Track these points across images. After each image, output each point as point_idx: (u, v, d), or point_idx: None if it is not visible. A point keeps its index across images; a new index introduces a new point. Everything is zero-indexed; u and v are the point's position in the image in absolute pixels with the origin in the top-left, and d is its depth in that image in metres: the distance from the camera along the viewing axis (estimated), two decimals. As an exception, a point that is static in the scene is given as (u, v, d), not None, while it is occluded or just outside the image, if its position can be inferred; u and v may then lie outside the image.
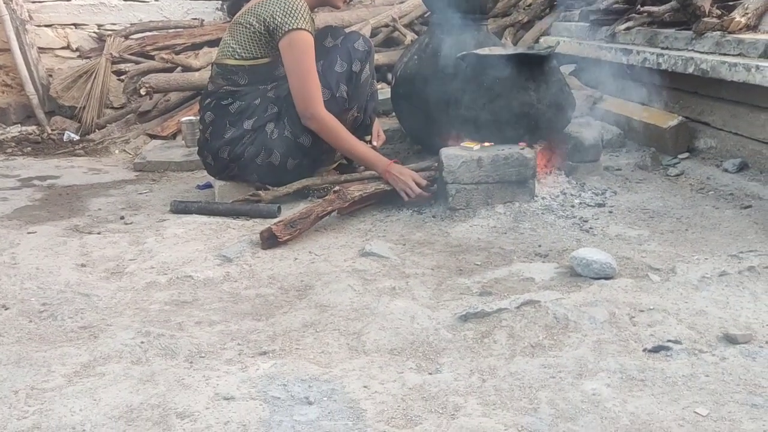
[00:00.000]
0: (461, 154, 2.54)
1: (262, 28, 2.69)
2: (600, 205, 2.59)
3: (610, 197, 2.69)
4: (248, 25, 2.72)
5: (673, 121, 3.15)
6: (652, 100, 3.31)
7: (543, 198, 2.60)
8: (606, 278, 1.93)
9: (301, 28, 2.63)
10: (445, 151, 2.58)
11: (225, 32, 2.89)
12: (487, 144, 2.62)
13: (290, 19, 2.64)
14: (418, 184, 2.57)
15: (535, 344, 1.65)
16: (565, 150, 2.83)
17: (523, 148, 2.57)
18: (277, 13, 2.65)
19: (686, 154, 3.11)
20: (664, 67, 3.14)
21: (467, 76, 2.71)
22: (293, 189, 2.74)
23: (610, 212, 2.54)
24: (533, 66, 2.65)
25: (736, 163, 2.85)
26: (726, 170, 2.86)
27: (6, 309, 1.91)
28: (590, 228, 2.40)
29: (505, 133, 2.63)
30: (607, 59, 3.57)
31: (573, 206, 2.58)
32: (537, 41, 4.24)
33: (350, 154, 2.76)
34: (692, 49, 3.04)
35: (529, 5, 4.54)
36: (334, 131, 2.69)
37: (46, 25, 4.91)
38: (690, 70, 2.97)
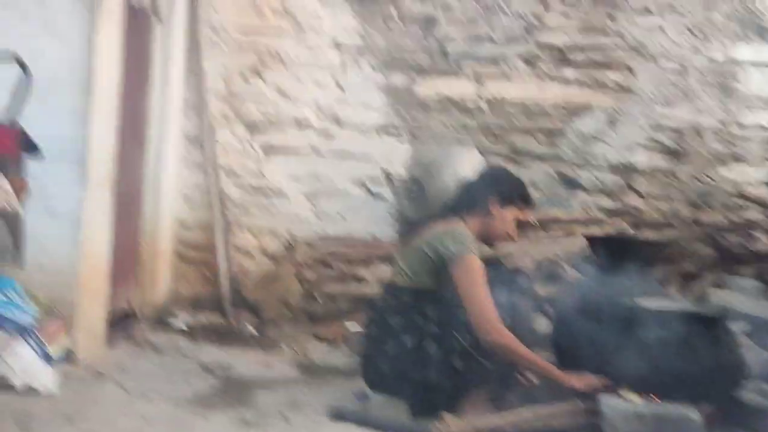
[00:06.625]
0: (624, 408, 2.50)
1: (433, 255, 2.91)
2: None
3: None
4: (419, 251, 2.96)
5: None
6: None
7: (710, 466, 2.42)
8: None
9: (472, 253, 2.86)
10: (606, 401, 2.55)
11: (397, 254, 3.19)
12: (647, 397, 2.56)
13: (461, 246, 2.87)
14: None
15: None
16: (737, 417, 2.66)
17: (688, 410, 2.47)
18: (448, 242, 2.89)
19: None
20: None
21: (631, 325, 2.73)
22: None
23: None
24: (704, 324, 2.62)
25: None
26: None
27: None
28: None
29: (670, 392, 2.55)
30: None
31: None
32: (706, 294, 4.14)
33: (533, 367, 2.85)
34: None
35: (698, 255, 4.50)
36: (515, 347, 2.78)
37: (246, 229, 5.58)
38: None
